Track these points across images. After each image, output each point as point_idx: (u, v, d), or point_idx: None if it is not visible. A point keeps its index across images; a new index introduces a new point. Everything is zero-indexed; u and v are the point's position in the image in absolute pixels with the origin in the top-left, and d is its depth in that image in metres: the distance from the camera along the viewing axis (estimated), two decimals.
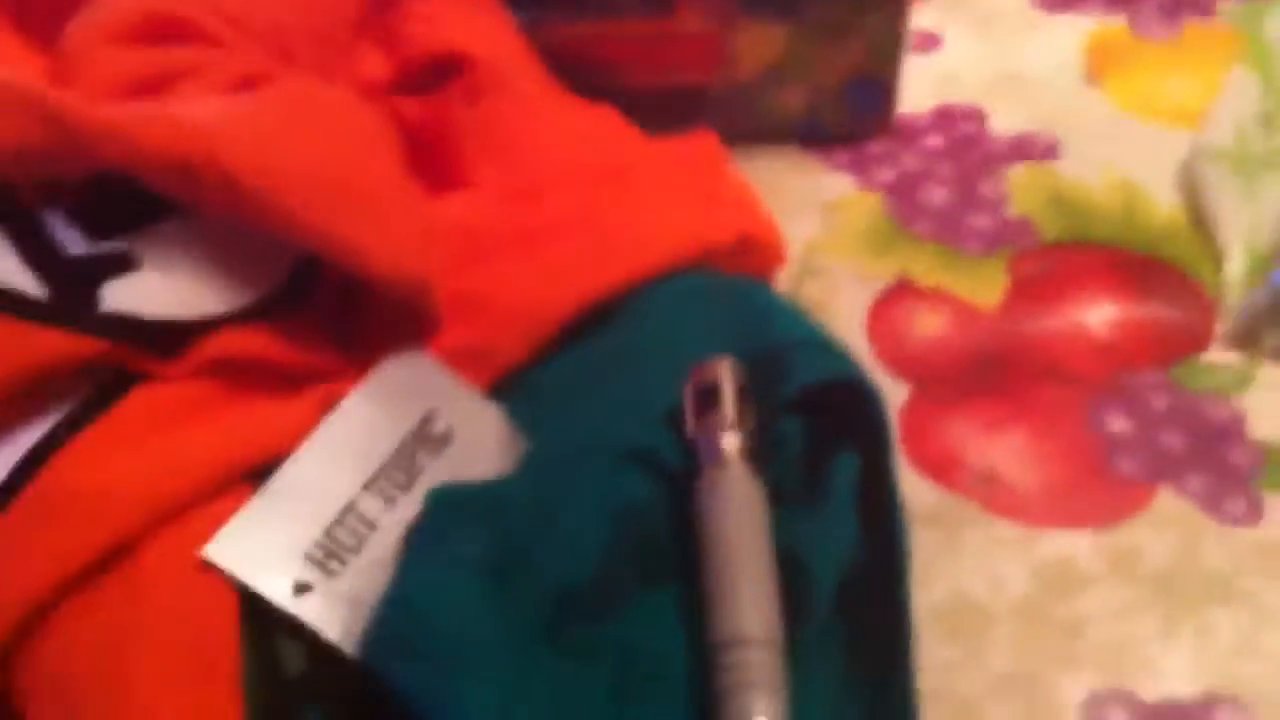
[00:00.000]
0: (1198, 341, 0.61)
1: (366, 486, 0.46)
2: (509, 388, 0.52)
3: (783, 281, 0.62)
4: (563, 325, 0.53)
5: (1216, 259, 0.64)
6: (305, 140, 0.48)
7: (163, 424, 0.45)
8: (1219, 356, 0.60)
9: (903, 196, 0.67)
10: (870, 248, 0.65)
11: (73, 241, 0.45)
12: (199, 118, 0.45)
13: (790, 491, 0.48)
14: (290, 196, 0.46)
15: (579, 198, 0.58)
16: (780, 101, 0.69)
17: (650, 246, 0.55)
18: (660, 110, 0.68)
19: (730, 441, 0.48)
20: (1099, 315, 0.62)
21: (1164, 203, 0.67)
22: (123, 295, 0.45)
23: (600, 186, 0.59)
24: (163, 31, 0.52)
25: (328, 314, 0.50)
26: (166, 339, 0.46)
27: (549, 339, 0.53)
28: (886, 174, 0.69)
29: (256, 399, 0.47)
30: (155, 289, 0.46)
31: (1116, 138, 0.71)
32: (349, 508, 0.45)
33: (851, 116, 0.70)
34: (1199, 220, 0.66)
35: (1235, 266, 0.62)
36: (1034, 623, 0.52)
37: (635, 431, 0.50)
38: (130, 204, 0.46)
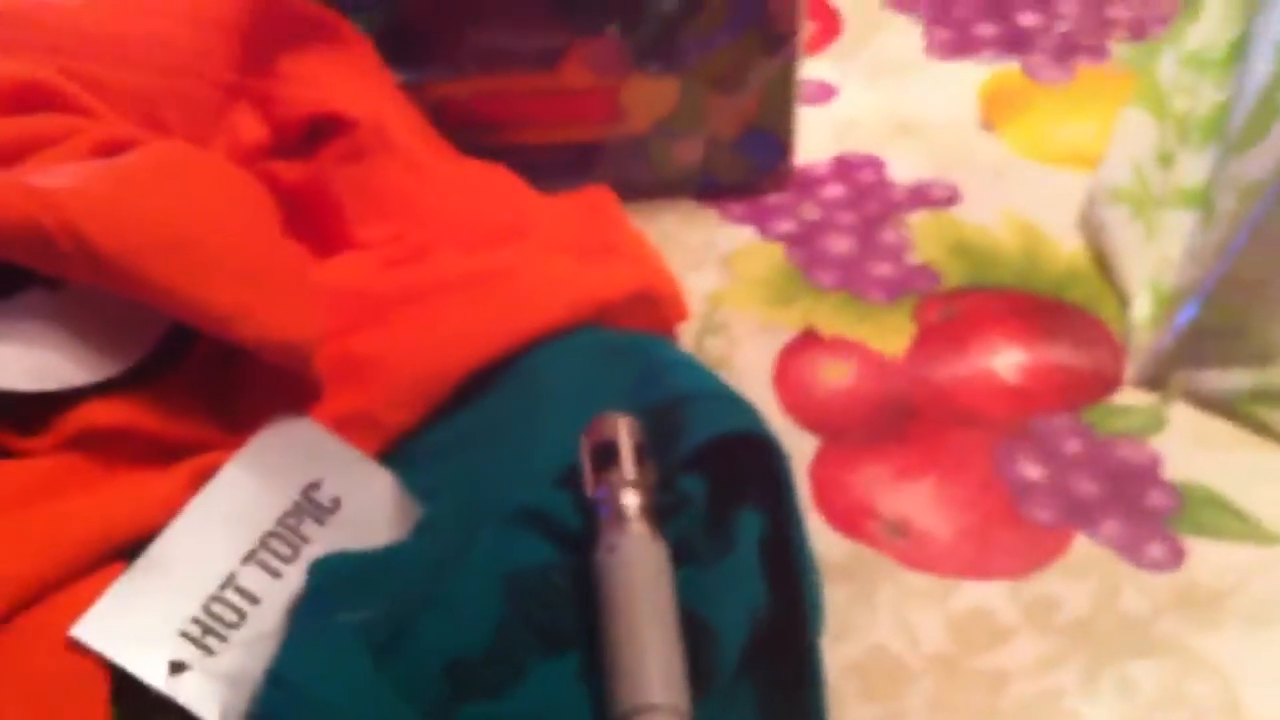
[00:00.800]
0: (1107, 384, 0.60)
1: (247, 559, 0.44)
2: (399, 451, 0.50)
3: (685, 337, 0.61)
4: (454, 387, 0.51)
5: (1122, 300, 0.63)
6: (169, 203, 0.46)
7: (25, 500, 0.43)
8: (1130, 398, 0.59)
9: (804, 246, 0.66)
10: (773, 298, 0.64)
11: None
12: (54, 185, 0.43)
13: (693, 550, 0.46)
14: (154, 261, 0.44)
15: (469, 257, 0.56)
16: (674, 154, 0.68)
17: (543, 305, 0.53)
18: (553, 165, 0.67)
19: (630, 500, 0.46)
20: (1006, 360, 0.61)
21: (1066, 245, 0.66)
22: None
23: (491, 244, 0.58)
24: (26, 99, 0.49)
25: (204, 381, 0.48)
26: (27, 412, 0.43)
27: (440, 401, 0.51)
28: (787, 224, 0.67)
29: (126, 472, 0.45)
30: (15, 361, 0.43)
31: (1015, 182, 0.70)
32: (228, 581, 0.43)
33: (748, 168, 0.69)
34: (1102, 262, 0.65)
35: (1141, 308, 0.61)
36: (953, 677, 0.50)
37: (530, 492, 0.47)
38: None
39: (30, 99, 0.51)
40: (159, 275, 0.44)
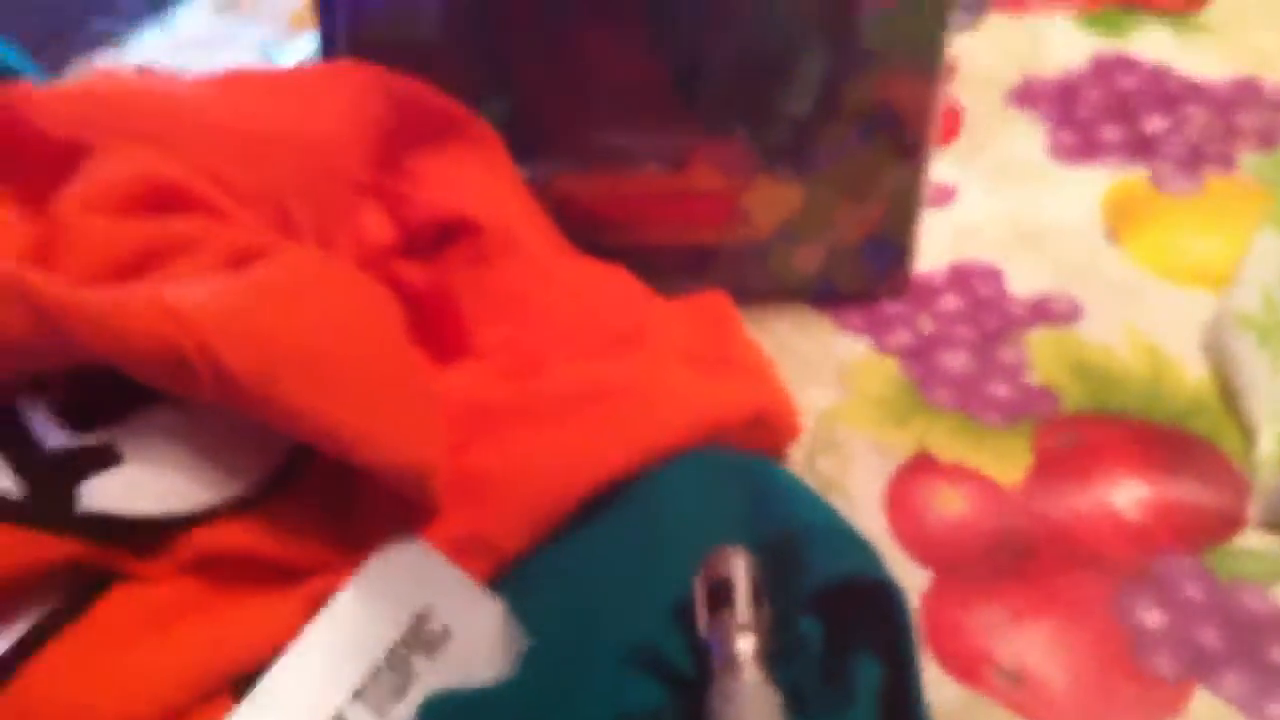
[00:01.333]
0: (1231, 524, 0.58)
1: (357, 695, 0.43)
2: (510, 577, 0.49)
3: (797, 453, 0.60)
4: (569, 512, 0.50)
5: (1247, 435, 0.61)
6: (300, 325, 0.45)
7: (142, 628, 0.43)
8: (1254, 541, 0.57)
9: (921, 361, 0.65)
10: (888, 416, 0.63)
11: (52, 434, 0.43)
12: (189, 304, 0.43)
13: (809, 698, 0.45)
14: (285, 385, 0.43)
15: (587, 369, 0.56)
16: (794, 260, 0.67)
17: (662, 426, 0.53)
18: (669, 266, 0.66)
19: (745, 645, 0.45)
20: (1127, 494, 0.59)
21: (1190, 371, 0.65)
22: (103, 492, 0.43)
23: (609, 356, 0.57)
24: (159, 200, 0.50)
25: (321, 499, 0.48)
26: (148, 537, 0.43)
27: (556, 525, 0.50)
28: (903, 336, 0.67)
29: (243, 597, 0.45)
30: (138, 483, 0.43)
31: (1140, 299, 0.69)
32: None
33: (867, 275, 0.68)
34: (1227, 392, 0.63)
35: (1267, 444, 0.59)
36: None
37: (642, 629, 0.47)
38: (114, 391, 0.44)
39: (159, 198, 0.51)
40: (289, 399, 0.44)
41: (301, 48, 0.78)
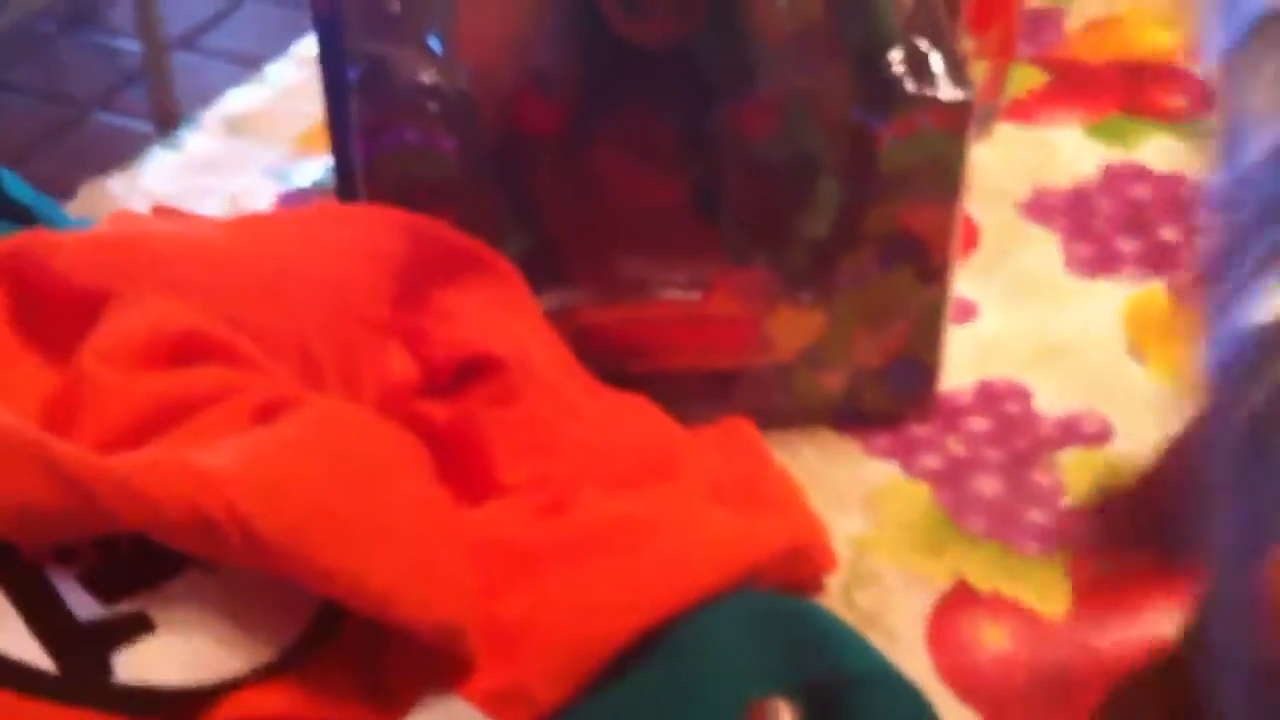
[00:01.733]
0: None
1: None
2: None
3: (832, 586, 0.59)
4: (607, 660, 0.49)
5: None
6: (327, 482, 0.44)
7: None
8: None
9: (952, 487, 0.64)
10: (922, 545, 0.61)
11: (83, 605, 0.41)
12: (215, 467, 0.41)
13: None
14: (314, 545, 0.42)
15: (619, 505, 0.55)
16: (818, 383, 0.66)
17: (699, 567, 0.52)
18: (692, 393, 0.65)
19: None
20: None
21: None
22: (136, 664, 0.41)
23: (640, 489, 0.56)
24: (180, 350, 0.48)
25: (354, 657, 0.46)
26: (184, 708, 0.41)
27: (595, 674, 0.49)
28: (932, 460, 0.65)
29: None
30: (171, 653, 0.42)
31: (1170, 416, 0.68)
32: None
33: (892, 397, 0.67)
34: None
35: None
36: None
37: None
38: (143, 558, 0.42)
39: (183, 349, 0.50)
40: (318, 558, 0.43)
41: (310, 171, 0.77)
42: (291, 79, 0.85)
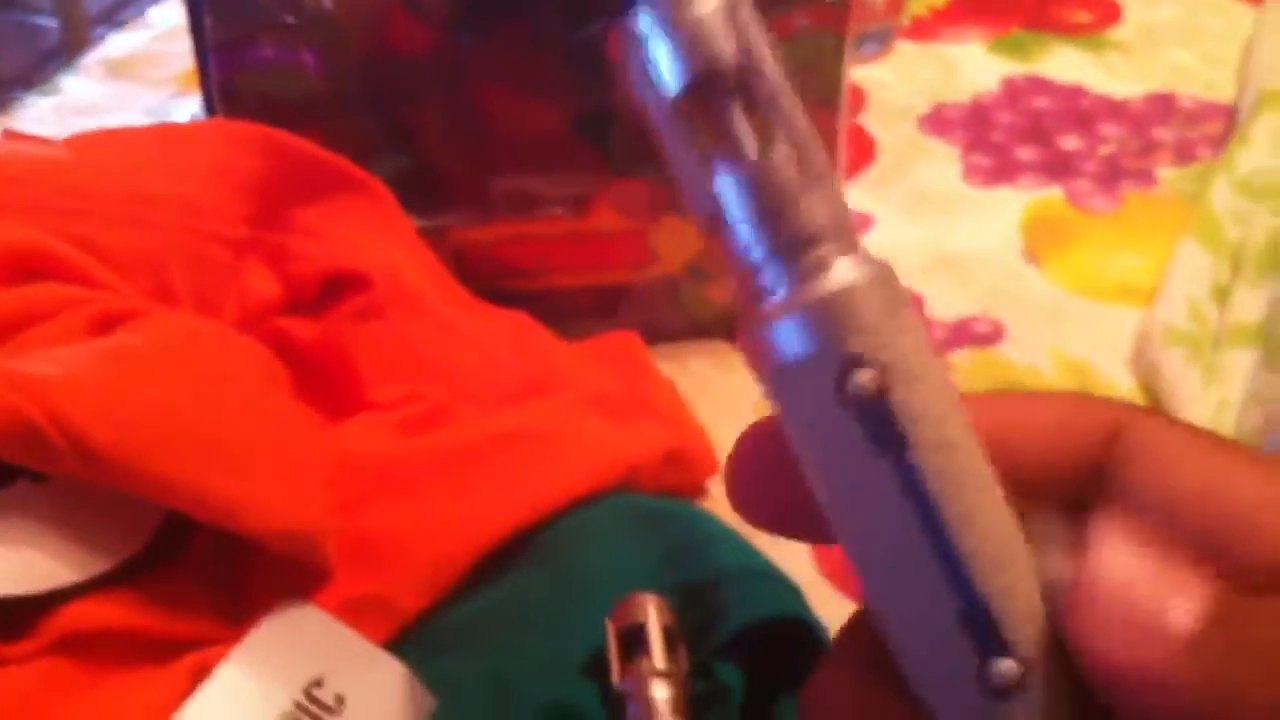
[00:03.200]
0: None
1: None
2: (414, 637, 0.47)
3: (716, 492, 0.58)
4: (472, 566, 0.48)
5: None
6: (166, 388, 0.43)
7: (8, 714, 0.39)
8: None
9: None
10: None
11: None
12: (42, 374, 0.40)
13: None
14: (150, 453, 0.41)
15: (490, 418, 0.53)
16: (705, 296, 0.65)
17: (570, 472, 0.50)
18: (578, 310, 0.64)
19: (660, 693, 0.43)
20: None
21: (1119, 387, 0.63)
22: None
23: (515, 399, 0.55)
24: (21, 267, 0.47)
25: (205, 570, 0.45)
26: (10, 617, 0.40)
27: (460, 581, 0.48)
28: None
29: (119, 674, 0.42)
30: None
31: (1063, 319, 0.67)
32: None
33: None
34: (1158, 406, 0.61)
35: None
36: None
37: (555, 686, 0.44)
38: None
39: (25, 266, 0.48)
40: (156, 467, 0.41)
41: (189, 107, 0.76)
42: (175, 20, 0.84)
